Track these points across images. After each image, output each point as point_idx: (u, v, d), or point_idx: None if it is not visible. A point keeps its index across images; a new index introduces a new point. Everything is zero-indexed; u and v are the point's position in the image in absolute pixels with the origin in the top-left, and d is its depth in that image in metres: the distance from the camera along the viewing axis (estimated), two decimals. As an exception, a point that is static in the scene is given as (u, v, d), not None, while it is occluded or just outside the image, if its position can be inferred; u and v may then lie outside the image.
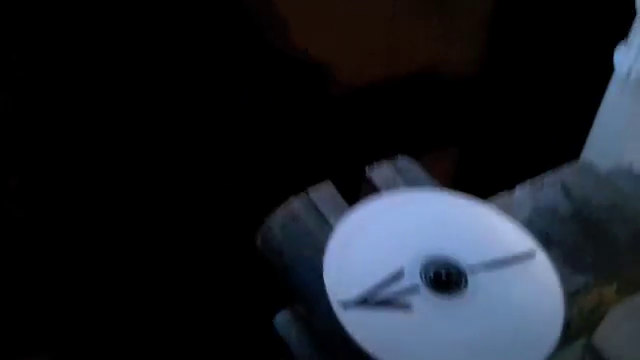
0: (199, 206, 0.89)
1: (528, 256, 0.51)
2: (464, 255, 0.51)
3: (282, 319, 0.57)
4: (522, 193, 0.66)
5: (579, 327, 0.63)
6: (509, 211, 0.62)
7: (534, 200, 0.65)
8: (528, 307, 0.49)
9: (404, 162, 0.59)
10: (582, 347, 0.71)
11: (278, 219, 0.54)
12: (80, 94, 0.83)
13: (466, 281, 0.50)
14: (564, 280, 0.55)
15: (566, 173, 0.69)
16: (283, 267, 0.53)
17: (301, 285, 0.52)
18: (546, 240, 0.60)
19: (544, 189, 0.67)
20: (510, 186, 0.67)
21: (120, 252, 0.88)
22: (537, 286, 0.50)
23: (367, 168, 0.58)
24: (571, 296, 0.58)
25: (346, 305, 0.47)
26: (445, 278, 0.49)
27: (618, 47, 0.75)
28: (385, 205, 0.54)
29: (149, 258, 0.91)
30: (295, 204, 0.55)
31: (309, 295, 0.51)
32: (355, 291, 0.48)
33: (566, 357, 0.69)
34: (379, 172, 0.58)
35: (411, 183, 0.58)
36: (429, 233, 0.52)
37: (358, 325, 0.46)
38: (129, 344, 0.94)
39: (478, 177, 0.82)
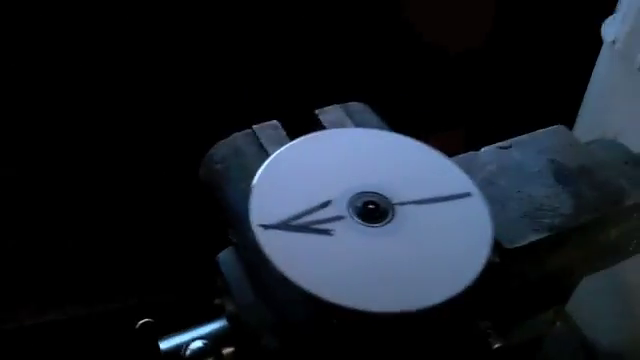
0: (151, 140, 0.89)
1: (462, 196, 0.50)
2: (398, 192, 0.50)
3: (225, 257, 0.57)
4: (488, 151, 0.65)
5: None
6: (471, 167, 0.61)
7: (499, 158, 0.64)
8: (453, 241, 0.48)
9: (356, 106, 0.59)
10: (554, 313, 0.68)
11: (219, 151, 0.55)
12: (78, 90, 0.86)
13: (394, 213, 0.49)
14: (522, 236, 0.54)
15: (540, 136, 0.67)
16: (220, 198, 0.53)
17: (234, 215, 0.51)
18: (506, 197, 0.59)
19: (512, 148, 0.65)
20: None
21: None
22: (466, 223, 0.49)
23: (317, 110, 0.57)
24: (530, 252, 0.56)
25: (267, 227, 0.47)
26: (372, 207, 0.48)
27: (607, 20, 0.74)
28: (324, 139, 0.54)
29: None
30: (238, 138, 0.55)
31: (240, 225, 0.50)
32: (280, 217, 0.48)
33: (538, 323, 0.67)
34: (328, 113, 0.57)
35: (361, 126, 0.57)
36: (365, 169, 0.52)
37: (276, 247, 0.46)
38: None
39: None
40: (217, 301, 0.59)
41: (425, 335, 0.49)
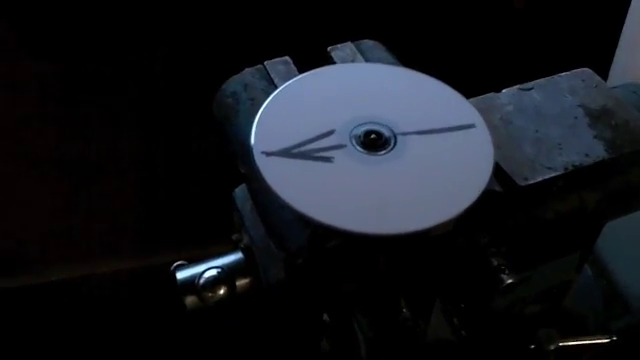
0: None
1: (466, 127, 0.50)
2: (402, 123, 0.51)
3: (241, 191, 0.58)
4: (508, 93, 0.64)
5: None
6: (490, 107, 0.61)
7: (520, 99, 0.63)
8: (453, 169, 0.48)
9: (369, 43, 0.59)
10: (579, 259, 0.67)
11: (230, 86, 0.56)
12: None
13: (396, 142, 0.49)
14: (535, 174, 0.54)
15: (563, 78, 0.66)
16: (230, 131, 0.54)
17: (242, 146, 0.52)
18: (524, 137, 0.59)
19: (533, 90, 0.64)
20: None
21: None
22: (467, 152, 0.49)
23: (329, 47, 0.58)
24: (543, 189, 0.55)
25: (268, 154, 0.48)
26: (374, 137, 0.49)
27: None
28: (332, 73, 0.54)
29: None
30: (249, 73, 0.56)
31: (247, 156, 0.51)
32: (282, 145, 0.49)
33: (561, 268, 0.67)
34: (340, 49, 0.58)
35: (372, 62, 0.57)
36: (371, 102, 0.52)
37: (276, 173, 0.47)
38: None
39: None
40: (234, 236, 0.60)
41: (427, 261, 0.50)
